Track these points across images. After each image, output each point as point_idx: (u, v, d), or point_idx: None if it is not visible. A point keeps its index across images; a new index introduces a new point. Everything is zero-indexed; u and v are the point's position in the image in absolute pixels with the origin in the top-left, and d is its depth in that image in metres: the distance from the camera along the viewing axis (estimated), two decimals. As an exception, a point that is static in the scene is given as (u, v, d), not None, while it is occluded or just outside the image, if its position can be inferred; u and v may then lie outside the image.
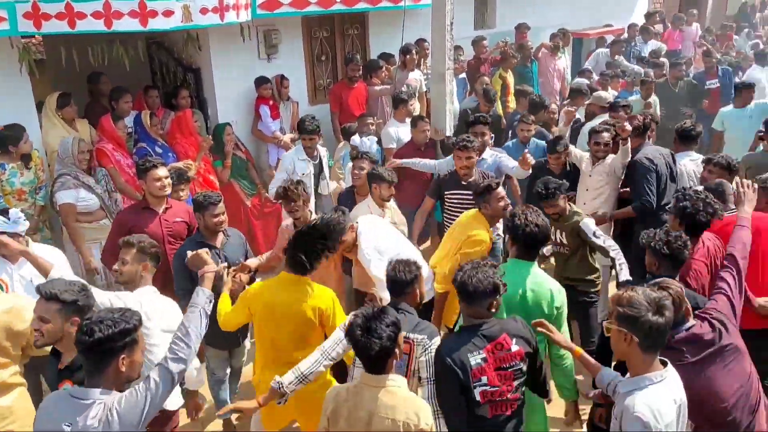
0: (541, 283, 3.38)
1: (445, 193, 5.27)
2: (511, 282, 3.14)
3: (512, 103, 8.55)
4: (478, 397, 2.86)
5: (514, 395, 2.94)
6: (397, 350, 2.66)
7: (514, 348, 2.90)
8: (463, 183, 5.13)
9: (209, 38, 6.92)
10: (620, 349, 2.59)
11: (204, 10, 5.87)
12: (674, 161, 5.26)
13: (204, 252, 3.27)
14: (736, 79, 8.64)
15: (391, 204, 5.07)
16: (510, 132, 7.48)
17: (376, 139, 6.63)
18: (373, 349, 2.58)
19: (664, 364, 2.59)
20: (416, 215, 5.46)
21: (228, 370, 4.57)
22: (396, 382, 2.69)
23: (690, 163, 5.36)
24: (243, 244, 4.57)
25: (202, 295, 2.90)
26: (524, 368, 2.94)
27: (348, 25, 8.18)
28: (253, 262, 4.44)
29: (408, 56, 7.45)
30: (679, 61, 9.38)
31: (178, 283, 4.11)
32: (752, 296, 3.73)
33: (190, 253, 3.40)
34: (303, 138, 5.91)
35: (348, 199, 5.29)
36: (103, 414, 2.33)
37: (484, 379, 2.85)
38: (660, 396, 2.49)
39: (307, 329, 3.44)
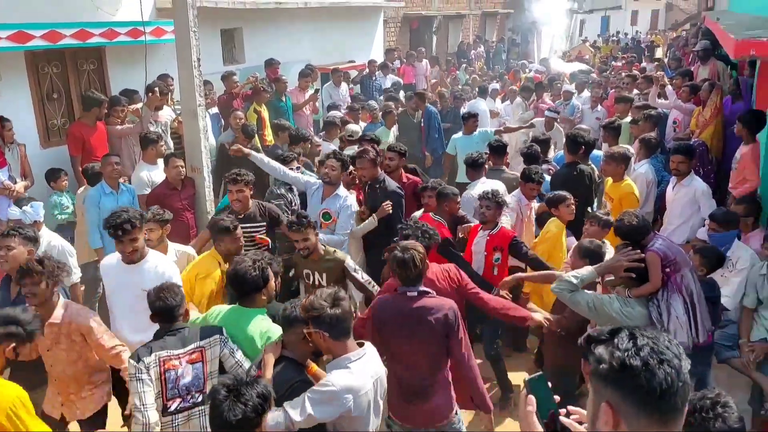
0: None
1: None
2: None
3: (269, 137, 8.66)
4: None
5: None
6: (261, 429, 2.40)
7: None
8: (240, 216, 4.98)
9: None
10: (323, 347, 2.85)
11: None
12: None
13: None
14: (463, 109, 9.81)
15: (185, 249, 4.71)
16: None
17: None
18: (235, 416, 2.30)
19: (362, 344, 2.90)
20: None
21: None
22: None
23: (480, 187, 5.76)
24: None
25: None
26: None
27: (82, 60, 7.55)
28: None
29: (152, 94, 7.07)
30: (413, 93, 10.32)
31: None
32: None
33: None
34: None
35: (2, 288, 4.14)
36: None
37: None
38: (355, 372, 2.77)
39: None
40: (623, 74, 12.61)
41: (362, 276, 4.57)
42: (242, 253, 4.09)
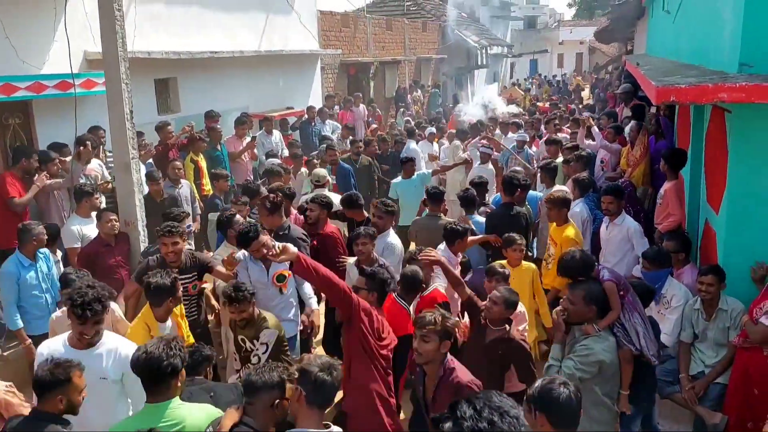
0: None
1: None
2: None
3: (207, 186, 8.50)
4: None
5: None
6: None
7: None
8: (175, 269, 4.83)
9: None
10: (293, 409, 2.76)
11: None
12: None
13: None
14: (403, 154, 9.92)
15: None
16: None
17: None
18: None
19: (328, 426, 2.78)
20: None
21: None
22: None
23: (387, 239, 5.70)
24: None
25: None
26: None
27: (7, 114, 7.24)
28: None
29: (83, 147, 6.82)
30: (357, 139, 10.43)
31: None
32: None
33: None
34: None
35: None
36: None
37: None
38: None
39: None
40: (554, 113, 13.18)
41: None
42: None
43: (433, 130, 12.24)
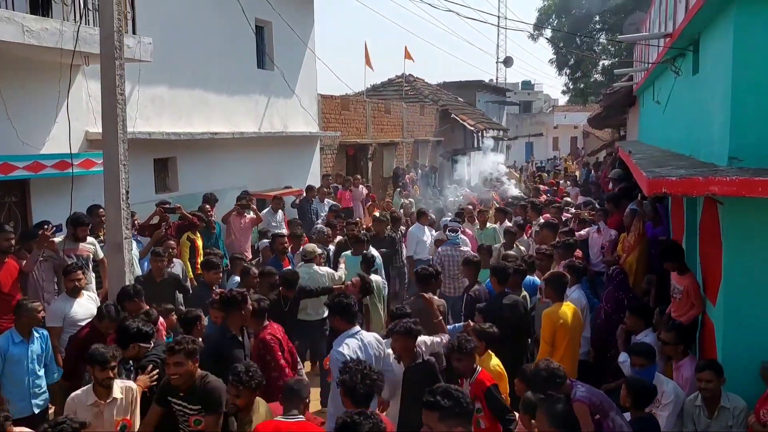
0: None
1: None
2: None
3: (203, 266, 8.42)
4: None
5: None
6: None
7: None
8: (181, 393, 4.18)
9: None
10: None
11: None
12: None
13: None
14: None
15: None
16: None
17: None
18: None
19: None
20: None
21: None
22: None
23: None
24: None
25: None
26: None
27: (3, 192, 7.27)
28: None
29: (78, 227, 6.77)
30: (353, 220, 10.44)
31: None
32: None
33: None
34: None
35: None
36: None
37: None
38: None
39: None
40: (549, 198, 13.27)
41: None
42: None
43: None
